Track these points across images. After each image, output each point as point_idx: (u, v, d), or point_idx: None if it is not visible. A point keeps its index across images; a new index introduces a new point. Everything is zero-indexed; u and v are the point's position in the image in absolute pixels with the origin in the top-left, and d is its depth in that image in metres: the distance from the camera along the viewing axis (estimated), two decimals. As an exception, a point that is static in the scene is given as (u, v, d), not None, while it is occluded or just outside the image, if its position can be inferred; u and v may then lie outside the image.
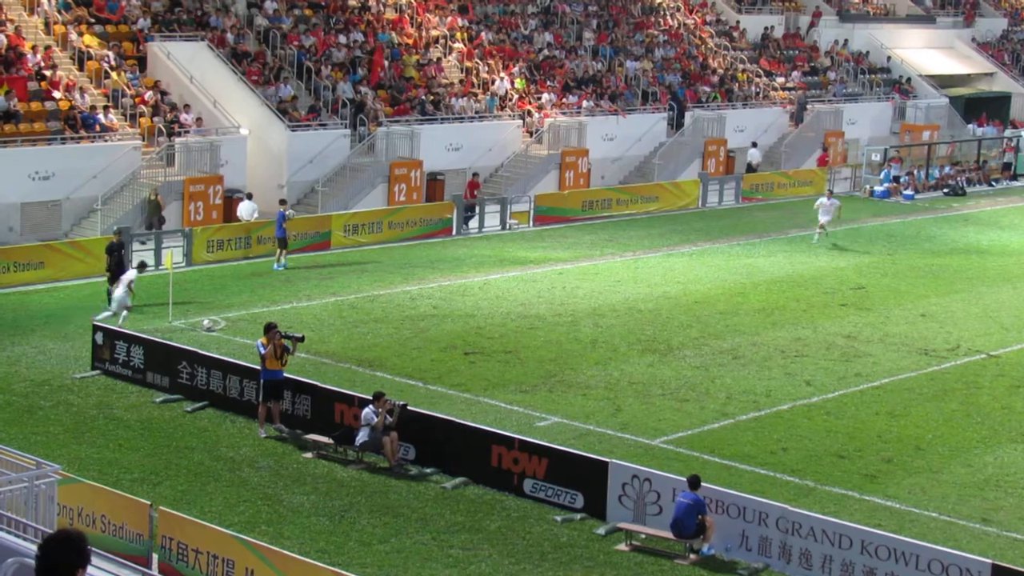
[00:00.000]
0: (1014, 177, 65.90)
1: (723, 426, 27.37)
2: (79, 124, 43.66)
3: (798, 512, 21.12)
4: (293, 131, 48.06)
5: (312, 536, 21.23)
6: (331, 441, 24.98)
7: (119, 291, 32.48)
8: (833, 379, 30.73)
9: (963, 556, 19.69)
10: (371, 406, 24.38)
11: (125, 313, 32.15)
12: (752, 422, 27.68)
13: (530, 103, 56.18)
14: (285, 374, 26.13)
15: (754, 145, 60.28)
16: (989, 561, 19.46)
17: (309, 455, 24.83)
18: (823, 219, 47.06)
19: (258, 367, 26.09)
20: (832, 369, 31.49)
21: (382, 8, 56.96)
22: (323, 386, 26.39)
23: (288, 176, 47.63)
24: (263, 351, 25.86)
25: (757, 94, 64.87)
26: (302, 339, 26.67)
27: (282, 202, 42.20)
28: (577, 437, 25.93)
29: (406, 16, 57.50)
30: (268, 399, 25.85)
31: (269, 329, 26.04)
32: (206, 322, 33.07)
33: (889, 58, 73.74)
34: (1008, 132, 71.06)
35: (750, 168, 59.51)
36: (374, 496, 23.09)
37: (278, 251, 40.42)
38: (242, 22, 52.29)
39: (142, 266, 34.23)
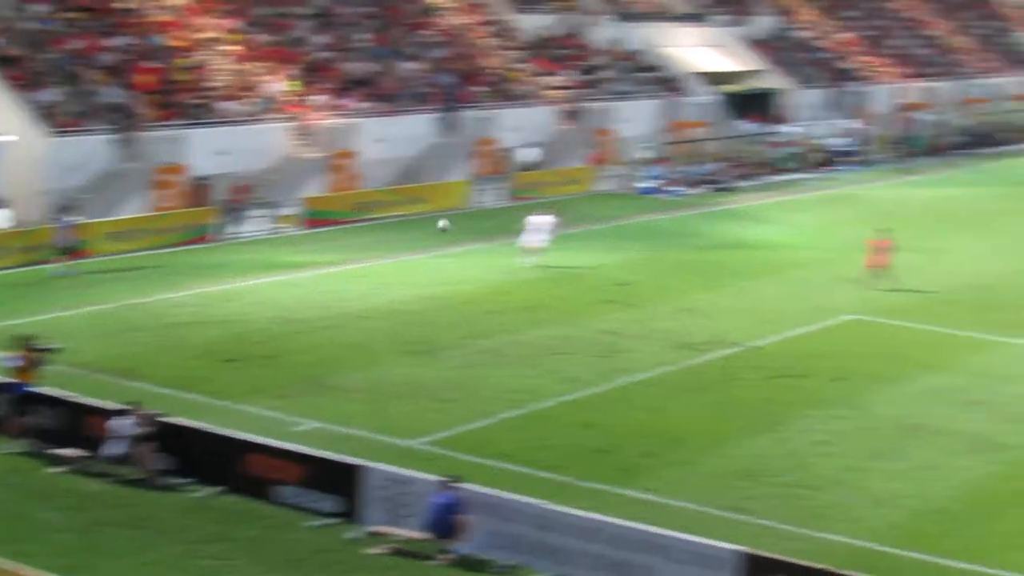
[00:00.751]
0: (775, 172, 67.48)
1: (485, 425, 27.45)
2: None
3: (552, 508, 21.22)
4: (55, 137, 46.77)
5: (60, 552, 20.62)
6: (83, 454, 24.32)
7: None
8: (595, 375, 31.03)
9: (713, 544, 20.01)
10: (122, 417, 23.83)
11: None
12: (514, 420, 27.83)
13: (302, 106, 55.64)
14: (34, 387, 25.36)
15: (531, 145, 60.62)
16: (738, 548, 19.79)
17: (59, 469, 24.13)
18: (537, 239, 42.89)
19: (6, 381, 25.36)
20: (594, 365, 31.80)
21: (152, 11, 55.82)
22: (74, 398, 25.60)
23: (49, 183, 46.29)
24: (14, 364, 25.18)
25: (531, 94, 65.25)
26: (57, 350, 26.01)
27: (63, 209, 41.23)
28: (337, 441, 25.65)
29: (177, 19, 56.41)
30: (16, 413, 25.10)
31: (21, 341, 25.36)
32: None
33: (662, 56, 74.77)
34: (768, 128, 72.70)
35: (527, 167, 59.83)
36: (125, 508, 22.54)
37: (61, 258, 39.51)
38: (7, 25, 50.67)
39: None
